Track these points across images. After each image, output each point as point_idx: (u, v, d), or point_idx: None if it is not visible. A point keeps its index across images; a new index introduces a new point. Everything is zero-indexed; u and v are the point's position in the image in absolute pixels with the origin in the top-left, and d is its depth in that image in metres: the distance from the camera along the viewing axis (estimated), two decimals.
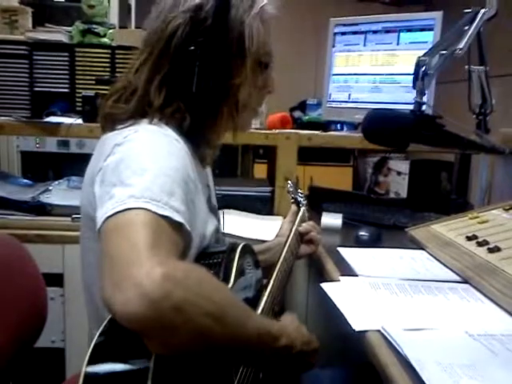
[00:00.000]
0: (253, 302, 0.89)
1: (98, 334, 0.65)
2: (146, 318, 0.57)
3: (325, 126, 1.80)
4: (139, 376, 0.61)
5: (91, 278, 0.88)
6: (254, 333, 0.71)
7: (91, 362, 0.63)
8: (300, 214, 1.28)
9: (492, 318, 0.90)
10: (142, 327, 0.59)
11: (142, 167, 0.73)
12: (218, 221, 1.03)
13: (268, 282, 0.98)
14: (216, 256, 0.88)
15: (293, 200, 1.36)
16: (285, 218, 1.60)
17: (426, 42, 1.62)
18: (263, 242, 1.27)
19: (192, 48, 0.84)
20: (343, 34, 1.79)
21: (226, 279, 0.82)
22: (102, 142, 0.86)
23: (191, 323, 0.60)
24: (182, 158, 0.80)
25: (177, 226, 0.69)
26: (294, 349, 0.79)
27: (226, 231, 1.09)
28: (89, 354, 0.64)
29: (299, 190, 1.40)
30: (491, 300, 0.96)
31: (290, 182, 1.41)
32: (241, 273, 0.87)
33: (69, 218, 1.49)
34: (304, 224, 1.24)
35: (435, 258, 1.23)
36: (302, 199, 1.37)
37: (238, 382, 0.80)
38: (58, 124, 1.59)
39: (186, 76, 0.85)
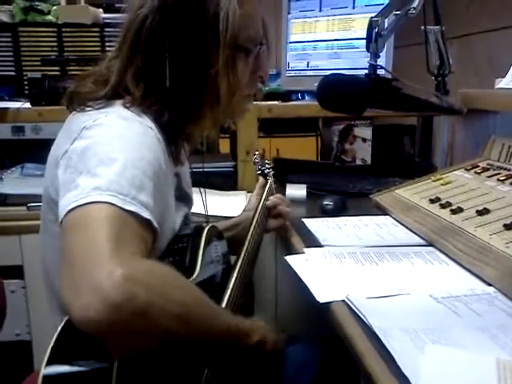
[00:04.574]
0: (222, 280, 0.86)
1: (58, 330, 0.62)
2: (106, 324, 0.53)
3: (285, 96, 1.76)
4: (102, 376, 0.58)
5: (52, 262, 0.84)
6: (223, 332, 0.68)
7: (51, 362, 0.59)
8: (267, 187, 1.25)
9: (456, 279, 0.90)
10: (101, 333, 0.55)
11: (110, 156, 0.67)
12: (189, 207, 0.99)
13: (237, 259, 0.95)
14: (181, 240, 0.85)
15: (259, 172, 1.33)
16: (249, 192, 1.59)
17: (382, 5, 1.59)
18: (230, 218, 1.24)
19: (162, 38, 0.79)
20: None
21: (193, 264, 0.79)
22: (69, 122, 0.80)
23: (155, 327, 0.57)
24: (154, 149, 0.75)
25: (144, 223, 0.65)
26: (267, 343, 0.77)
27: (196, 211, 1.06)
28: (48, 353, 0.60)
29: (266, 162, 1.36)
30: (455, 261, 0.96)
31: (256, 153, 1.37)
32: (207, 255, 0.84)
33: (24, 207, 1.43)
34: (272, 197, 1.22)
35: (400, 222, 1.22)
36: (269, 171, 1.34)
37: (207, 374, 0.78)
38: (5, 109, 1.51)
39: (161, 69, 0.79)
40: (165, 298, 0.58)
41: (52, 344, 0.61)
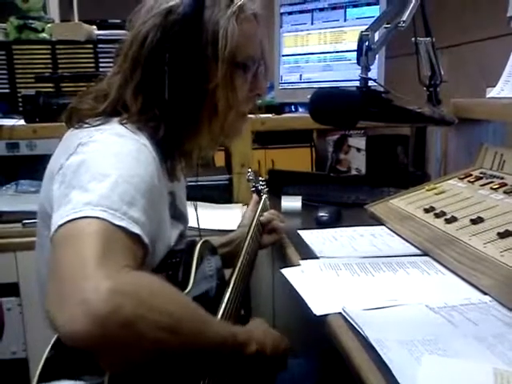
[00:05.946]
0: (216, 295, 0.86)
1: (48, 349, 0.62)
2: (92, 337, 0.53)
3: (279, 108, 1.77)
4: None
5: (47, 279, 0.84)
6: (218, 341, 0.68)
7: (41, 380, 0.60)
8: (261, 203, 1.26)
9: (451, 288, 0.90)
10: (88, 347, 0.55)
11: (103, 172, 0.69)
12: (185, 225, 1.00)
13: (232, 273, 0.96)
14: (175, 255, 0.86)
15: (253, 189, 1.34)
16: (244, 205, 1.59)
17: (373, 17, 1.60)
18: (226, 231, 1.24)
19: (163, 54, 0.80)
20: (290, 13, 1.76)
21: (186, 279, 0.79)
22: (67, 138, 0.82)
23: (143, 338, 0.56)
24: (148, 166, 0.75)
25: (134, 238, 0.66)
26: (265, 353, 0.77)
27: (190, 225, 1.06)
28: (38, 372, 0.60)
29: (260, 178, 1.38)
30: (450, 271, 0.97)
31: (250, 170, 1.38)
32: (201, 270, 0.84)
33: (19, 224, 1.43)
34: (266, 213, 1.22)
35: (395, 232, 1.23)
36: (262, 187, 1.35)
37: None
38: None
39: (160, 83, 0.81)
40: (152, 308, 0.58)
41: (42, 363, 0.61)
